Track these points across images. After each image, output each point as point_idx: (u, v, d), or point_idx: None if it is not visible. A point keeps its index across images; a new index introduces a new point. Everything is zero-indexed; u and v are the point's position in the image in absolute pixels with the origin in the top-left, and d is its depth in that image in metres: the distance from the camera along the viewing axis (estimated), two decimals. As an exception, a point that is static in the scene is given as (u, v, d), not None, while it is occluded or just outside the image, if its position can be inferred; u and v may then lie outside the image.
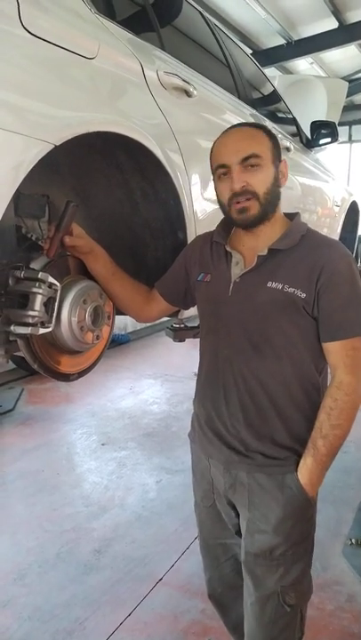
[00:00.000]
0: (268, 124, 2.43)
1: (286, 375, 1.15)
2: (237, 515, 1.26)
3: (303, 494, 1.15)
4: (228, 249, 1.22)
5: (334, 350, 1.13)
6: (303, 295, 1.10)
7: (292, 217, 1.24)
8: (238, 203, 1.13)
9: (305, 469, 1.14)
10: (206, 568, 1.41)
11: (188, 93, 1.58)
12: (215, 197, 1.63)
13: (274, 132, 1.23)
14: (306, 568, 1.22)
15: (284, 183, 1.20)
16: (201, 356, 1.30)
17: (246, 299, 1.15)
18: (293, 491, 1.15)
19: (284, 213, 1.24)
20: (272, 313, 1.13)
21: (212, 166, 1.20)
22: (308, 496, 1.15)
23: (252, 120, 2.15)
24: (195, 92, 1.60)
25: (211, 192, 1.62)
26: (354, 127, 11.51)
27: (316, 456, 1.12)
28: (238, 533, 1.28)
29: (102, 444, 3.30)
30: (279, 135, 2.42)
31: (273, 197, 1.15)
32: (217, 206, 1.62)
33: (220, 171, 1.16)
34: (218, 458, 1.24)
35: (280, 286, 1.11)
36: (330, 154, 4.18)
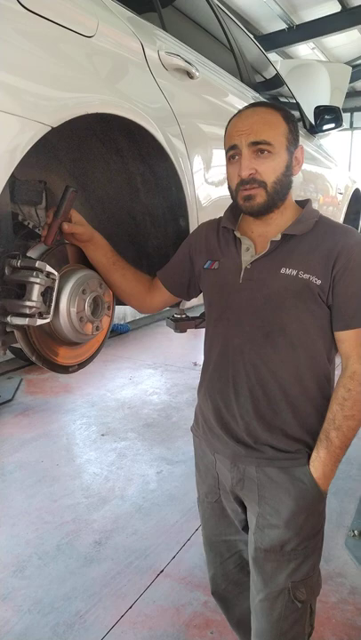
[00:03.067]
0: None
1: (299, 365, 1.12)
2: (244, 510, 1.24)
3: (316, 488, 1.12)
4: (237, 235, 1.17)
5: (348, 339, 1.10)
6: (318, 282, 1.07)
7: (303, 204, 1.19)
8: (245, 190, 1.09)
9: (318, 462, 1.11)
10: (210, 565, 1.39)
11: (190, 75, 1.53)
12: (218, 184, 1.60)
13: None
14: (316, 563, 1.19)
15: (297, 171, 1.14)
16: (208, 345, 1.25)
17: (259, 286, 1.11)
18: (306, 484, 1.12)
19: (295, 200, 1.20)
20: (286, 300, 1.09)
21: (225, 147, 1.15)
22: (320, 489, 1.12)
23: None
24: (197, 74, 1.55)
25: (214, 178, 1.58)
26: (356, 114, 11.40)
27: (329, 448, 1.09)
28: (245, 529, 1.26)
29: (102, 435, 3.28)
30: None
31: (283, 187, 1.11)
32: (220, 193, 1.60)
33: (230, 152, 1.11)
34: (224, 452, 1.21)
35: (295, 272, 1.08)
36: (331, 141, 4.11)
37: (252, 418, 1.15)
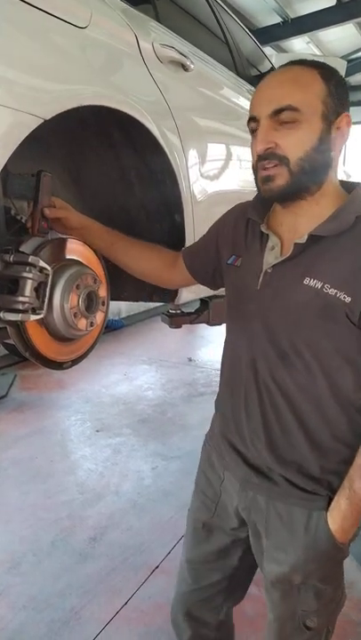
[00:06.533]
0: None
1: (319, 392, 0.93)
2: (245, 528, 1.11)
3: (331, 540, 0.94)
4: (263, 229, 0.98)
5: None
6: (348, 299, 0.86)
7: (350, 187, 0.94)
8: (264, 169, 0.88)
9: (337, 513, 0.93)
10: (180, 586, 1.24)
11: (185, 67, 1.51)
12: (214, 178, 1.59)
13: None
14: (334, 595, 1.05)
15: (339, 145, 0.90)
16: (224, 352, 1.11)
17: (277, 296, 0.93)
18: (320, 534, 0.94)
19: (341, 182, 0.95)
20: (306, 318, 0.90)
21: None
22: (337, 542, 0.94)
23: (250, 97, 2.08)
24: (192, 67, 1.53)
25: (210, 173, 1.57)
26: (351, 109, 11.38)
27: (352, 499, 0.91)
28: (246, 551, 1.14)
29: (97, 431, 3.27)
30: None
31: (315, 165, 0.87)
32: (216, 188, 1.58)
33: (251, 125, 0.91)
34: (235, 473, 1.06)
35: (319, 285, 0.88)
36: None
37: (263, 447, 0.99)
